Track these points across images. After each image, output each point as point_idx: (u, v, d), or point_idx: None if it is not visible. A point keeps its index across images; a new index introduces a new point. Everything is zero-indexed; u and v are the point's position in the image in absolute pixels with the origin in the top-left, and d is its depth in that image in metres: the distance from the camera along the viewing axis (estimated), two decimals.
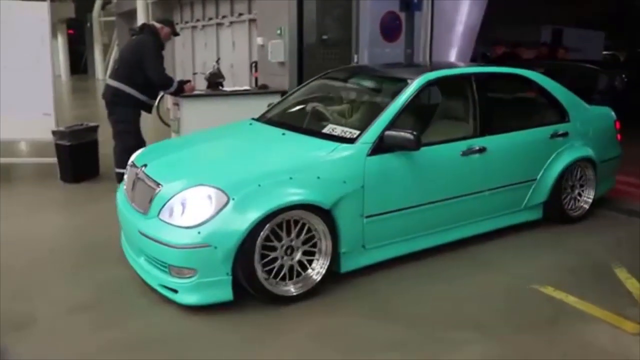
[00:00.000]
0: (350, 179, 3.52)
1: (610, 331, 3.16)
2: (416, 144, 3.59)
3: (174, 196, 3.30)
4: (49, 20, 6.29)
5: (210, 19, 12.70)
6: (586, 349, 2.99)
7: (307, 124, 4.13)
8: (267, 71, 7.85)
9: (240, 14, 11.18)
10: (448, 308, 3.40)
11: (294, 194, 3.32)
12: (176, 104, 6.45)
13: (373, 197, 3.61)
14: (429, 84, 4.08)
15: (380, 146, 3.65)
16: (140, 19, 14.30)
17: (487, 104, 4.27)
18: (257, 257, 3.22)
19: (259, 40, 7.93)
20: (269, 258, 3.30)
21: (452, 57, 8.70)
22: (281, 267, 3.36)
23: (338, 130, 3.84)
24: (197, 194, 3.26)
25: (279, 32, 7.27)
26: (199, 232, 3.15)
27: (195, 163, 3.71)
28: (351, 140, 3.66)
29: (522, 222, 4.60)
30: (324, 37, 7.27)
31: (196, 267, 3.19)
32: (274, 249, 3.32)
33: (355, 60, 7.42)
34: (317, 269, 3.47)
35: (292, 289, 3.37)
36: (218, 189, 3.24)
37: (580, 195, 4.92)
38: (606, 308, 3.38)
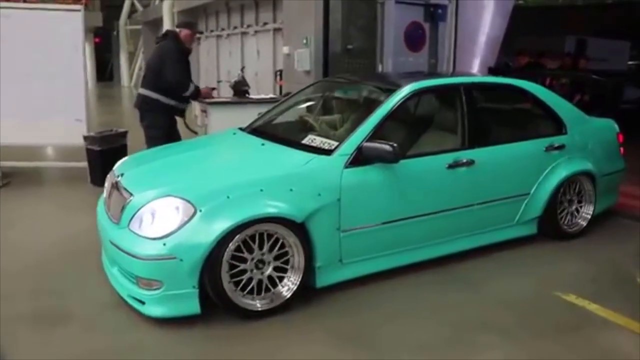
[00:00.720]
0: (326, 192, 3.42)
1: (633, 338, 3.17)
2: (395, 156, 3.49)
3: (143, 207, 3.26)
4: (82, 29, 6.46)
5: (235, 27, 12.90)
6: (609, 355, 3.02)
7: (290, 135, 4.05)
8: (292, 79, 7.90)
9: (265, 23, 11.33)
10: (472, 311, 3.45)
11: (264, 207, 3.24)
12: (204, 111, 6.56)
13: (350, 211, 3.51)
14: (415, 95, 3.97)
15: (359, 158, 3.55)
16: (166, 28, 14.51)
17: (477, 116, 4.14)
18: (224, 269, 3.15)
19: (285, 49, 8.05)
20: (238, 269, 3.22)
21: (475, 67, 8.74)
22: (250, 280, 3.28)
23: (317, 141, 3.75)
24: (164, 205, 3.21)
25: (305, 41, 7.41)
26: (164, 244, 3.09)
27: (169, 173, 3.66)
28: (329, 152, 3.57)
29: (515, 237, 4.44)
30: (349, 46, 7.36)
31: (162, 279, 3.13)
32: (245, 260, 3.24)
33: (380, 69, 7.54)
34: (289, 285, 3.38)
35: (258, 303, 3.28)
36: (186, 200, 3.18)
37: (578, 210, 4.73)
38: (629, 315, 3.38)
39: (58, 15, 6.50)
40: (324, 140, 3.73)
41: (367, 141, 3.57)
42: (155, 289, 3.16)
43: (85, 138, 6.36)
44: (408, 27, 7.69)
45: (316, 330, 3.24)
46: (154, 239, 3.13)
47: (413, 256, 3.92)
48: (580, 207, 4.75)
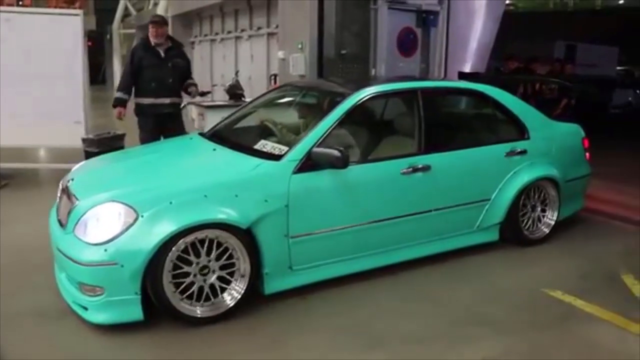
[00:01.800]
0: (273, 198, 3.39)
1: (616, 332, 3.31)
2: (343, 162, 3.46)
3: (86, 212, 3.24)
4: (81, 33, 6.54)
5: (229, 32, 12.95)
6: (593, 348, 3.15)
7: (245, 140, 4.02)
8: None
9: (259, 28, 11.39)
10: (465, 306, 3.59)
11: (207, 213, 3.21)
12: (201, 114, 6.62)
13: (299, 217, 3.49)
14: (368, 100, 3.94)
15: (308, 164, 3.53)
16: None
17: (434, 121, 4.12)
18: (165, 275, 3.13)
19: (280, 54, 8.16)
20: (182, 272, 3.19)
21: (466, 71, 8.79)
22: (192, 285, 3.25)
23: (269, 146, 3.73)
24: (106, 211, 3.19)
25: (299, 46, 7.50)
26: (105, 250, 3.07)
27: (116, 179, 3.63)
28: (278, 157, 3.55)
29: (476, 244, 4.41)
30: (343, 51, 7.47)
31: (103, 285, 3.11)
32: (189, 265, 3.21)
33: (373, 74, 7.65)
34: (233, 294, 3.34)
35: (198, 310, 3.24)
36: (127, 205, 3.16)
37: (541, 216, 4.70)
38: (613, 311, 3.51)
39: (57, 19, 6.61)
40: (275, 145, 3.71)
41: (317, 147, 3.55)
42: (97, 295, 3.13)
43: (84, 140, 6.37)
44: (400, 32, 7.90)
45: (260, 337, 3.21)
46: (96, 244, 3.11)
47: (367, 263, 3.89)
48: (544, 213, 4.72)
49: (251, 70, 11.48)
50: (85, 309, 3.20)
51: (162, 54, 5.73)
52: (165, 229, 3.09)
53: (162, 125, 5.75)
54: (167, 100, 5.75)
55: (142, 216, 3.11)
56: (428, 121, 4.06)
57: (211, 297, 3.29)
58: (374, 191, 3.78)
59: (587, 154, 5.03)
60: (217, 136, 4.23)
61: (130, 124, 6.12)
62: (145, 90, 5.75)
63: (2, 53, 6.23)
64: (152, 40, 5.71)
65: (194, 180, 3.39)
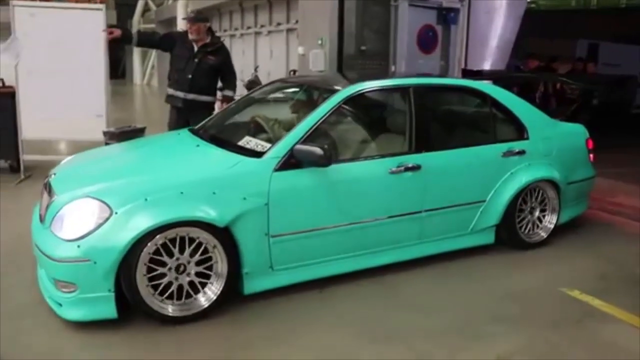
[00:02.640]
0: (252, 196, 3.32)
1: (633, 332, 3.29)
2: (326, 160, 3.37)
3: (62, 207, 3.20)
4: (104, 27, 6.54)
5: (249, 27, 13.02)
6: (610, 347, 3.13)
7: (231, 136, 3.95)
8: None
9: (279, 24, 11.46)
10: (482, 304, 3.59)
11: (182, 210, 3.15)
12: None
13: (280, 216, 3.40)
14: (357, 97, 3.83)
15: (291, 161, 3.44)
16: (180, 27, 14.67)
17: (427, 119, 3.99)
18: (139, 273, 3.07)
19: (300, 50, 8.16)
20: (157, 273, 3.14)
21: (486, 69, 8.75)
22: (171, 285, 3.20)
23: (252, 143, 3.65)
24: (81, 207, 3.15)
25: (320, 42, 7.51)
26: (78, 246, 3.03)
27: (95, 174, 3.58)
28: (260, 154, 3.47)
29: (469, 247, 4.27)
30: (363, 48, 7.51)
31: (76, 282, 3.07)
32: (165, 264, 3.16)
33: (393, 70, 7.65)
34: (209, 294, 3.28)
35: (170, 309, 3.18)
36: (102, 202, 3.11)
37: (540, 219, 4.54)
38: (630, 311, 3.50)
39: (80, 14, 6.69)
40: (259, 142, 3.63)
41: (300, 144, 3.46)
42: (71, 292, 3.10)
43: (105, 133, 6.35)
44: (421, 29, 7.94)
45: (239, 336, 3.15)
46: (69, 240, 3.07)
47: (354, 264, 3.79)
48: (544, 216, 4.56)
49: (270, 66, 11.56)
50: (60, 305, 3.17)
51: (195, 49, 5.62)
52: (138, 226, 3.04)
53: (186, 118, 5.67)
54: (181, 95, 5.64)
55: (116, 213, 3.06)
56: (420, 119, 3.94)
57: (192, 294, 3.25)
58: (360, 191, 3.68)
59: (592, 155, 4.84)
60: (205, 132, 4.17)
61: (154, 117, 6.13)
62: (169, 80, 5.77)
63: (26, 47, 6.37)
64: (192, 37, 5.64)
65: (171, 176, 3.32)
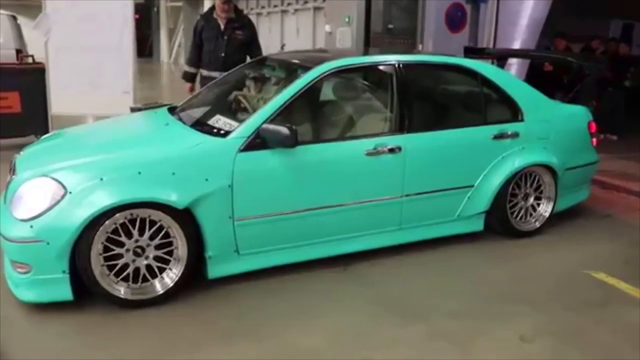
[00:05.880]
0: (214, 177, 3.18)
1: None
2: (292, 140, 3.20)
3: (19, 187, 3.12)
4: (132, 4, 6.67)
5: (276, 6, 12.95)
6: (633, 329, 3.06)
7: (205, 115, 3.80)
8: None
9: (306, 2, 11.37)
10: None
11: (138, 191, 3.03)
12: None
13: (245, 198, 3.26)
14: (332, 74, 3.63)
15: (257, 142, 3.28)
16: (207, 5, 14.58)
17: (409, 98, 3.76)
18: (94, 252, 2.98)
19: (327, 28, 8.11)
20: (113, 253, 3.05)
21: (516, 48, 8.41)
22: (128, 267, 3.10)
23: (221, 122, 3.51)
24: (36, 186, 3.06)
25: (347, 20, 7.44)
26: (31, 226, 2.94)
27: (55, 153, 3.47)
28: (225, 134, 3.32)
29: (456, 234, 4.06)
30: (390, 26, 7.42)
31: (30, 263, 2.99)
32: (122, 246, 3.07)
33: (420, 49, 7.53)
34: (165, 280, 3.17)
35: (122, 291, 3.08)
36: (57, 181, 3.01)
37: (535, 207, 4.30)
38: None
39: None
40: (228, 121, 3.48)
41: (267, 123, 3.30)
42: (26, 273, 3.02)
43: (132, 110, 6.34)
44: (449, 8, 7.82)
45: (207, 321, 3.06)
46: (23, 220, 2.98)
47: (329, 249, 3.63)
48: (538, 203, 4.31)
49: (297, 44, 11.53)
50: (17, 286, 3.11)
51: (222, 26, 5.51)
52: (92, 206, 2.93)
53: None
54: (217, 75, 5.39)
55: (70, 192, 2.97)
56: (402, 98, 3.73)
57: (149, 279, 3.15)
58: (332, 173, 3.50)
59: (594, 140, 4.55)
60: (181, 111, 4.03)
61: (180, 95, 6.09)
62: (203, 62, 5.66)
63: (57, 25, 6.42)
64: (216, 13, 5.53)
65: (130, 156, 3.20)
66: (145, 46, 27.45)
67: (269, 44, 12.41)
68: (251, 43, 5.64)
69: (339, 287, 3.44)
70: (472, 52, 5.39)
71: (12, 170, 3.40)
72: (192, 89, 5.74)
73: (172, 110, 4.13)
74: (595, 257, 3.98)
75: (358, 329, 2.99)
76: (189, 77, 5.79)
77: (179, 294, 3.23)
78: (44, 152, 3.55)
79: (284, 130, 3.19)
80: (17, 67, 7.13)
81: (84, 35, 6.44)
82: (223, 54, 5.48)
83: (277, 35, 12.72)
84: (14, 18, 10.67)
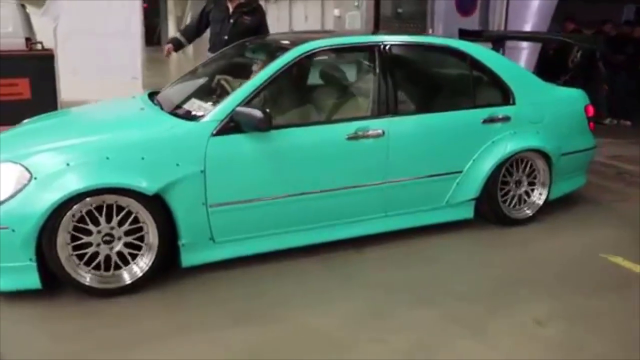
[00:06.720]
0: (186, 162, 3.07)
1: None
2: (265, 123, 3.09)
3: None
4: None
5: None
6: None
7: (181, 99, 3.69)
8: None
9: None
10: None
11: (105, 176, 2.93)
12: None
13: (219, 184, 3.15)
14: (311, 55, 3.50)
15: (230, 125, 3.17)
16: None
17: (393, 80, 3.62)
18: (60, 238, 2.90)
19: (336, 12, 8.02)
20: (81, 242, 2.97)
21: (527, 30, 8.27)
22: (98, 255, 3.02)
23: (195, 105, 3.40)
24: (1, 172, 2.98)
25: (356, 3, 7.37)
26: None
27: (26, 138, 3.40)
28: (197, 117, 3.21)
29: (446, 221, 3.93)
30: (399, 10, 7.34)
31: None
32: (91, 233, 2.99)
33: (430, 33, 7.43)
34: (134, 269, 3.08)
35: (87, 278, 2.99)
36: (22, 166, 2.93)
37: (528, 193, 4.14)
38: None
39: None
40: (202, 104, 3.38)
41: (242, 106, 3.18)
42: None
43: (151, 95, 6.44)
44: None
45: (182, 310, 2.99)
46: None
47: (309, 237, 3.52)
48: (532, 190, 4.15)
49: None
50: None
51: (230, 9, 5.35)
52: (57, 192, 2.84)
53: None
54: None
55: (35, 178, 2.88)
56: (385, 81, 3.59)
57: (121, 266, 3.07)
58: (311, 158, 3.38)
59: (591, 124, 4.37)
60: (160, 96, 3.93)
61: None
62: (209, 45, 5.53)
63: (65, 11, 6.49)
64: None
65: (98, 141, 3.10)
66: (153, 34, 27.46)
67: (277, 31, 12.37)
68: (259, 29, 5.45)
69: (349, 270, 3.41)
70: (467, 34, 5.21)
71: None
72: (169, 52, 5.53)
73: (153, 95, 4.03)
74: (612, 240, 3.91)
75: (369, 312, 2.96)
76: (175, 43, 5.56)
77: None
78: (14, 138, 3.46)
79: (257, 113, 3.08)
80: (26, 53, 7.11)
81: (92, 22, 6.52)
82: (226, 37, 5.30)
83: (285, 23, 12.62)
84: (23, 7, 10.70)
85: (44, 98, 6.47)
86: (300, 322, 2.85)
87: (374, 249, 3.65)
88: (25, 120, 3.98)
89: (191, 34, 5.58)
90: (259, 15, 5.52)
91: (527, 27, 8.43)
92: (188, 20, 22.56)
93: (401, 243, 3.74)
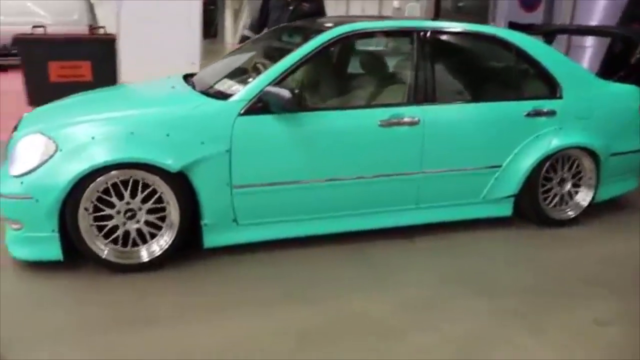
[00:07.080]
0: (211, 140, 3.01)
1: None
2: (292, 104, 2.99)
3: (16, 143, 3.07)
4: None
5: None
6: None
7: (213, 80, 3.63)
8: None
9: None
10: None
11: (129, 151, 2.90)
12: None
13: (244, 165, 3.08)
14: (346, 38, 3.38)
15: (259, 105, 3.09)
16: None
17: (432, 67, 3.46)
18: (81, 209, 2.89)
19: (395, 4, 8.09)
20: (103, 213, 2.96)
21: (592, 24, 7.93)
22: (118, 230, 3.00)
23: (226, 85, 3.34)
24: (29, 143, 3.00)
25: None
26: (22, 182, 2.89)
27: (57, 112, 3.40)
28: (225, 97, 3.15)
29: (480, 217, 3.75)
30: (460, 3, 7.30)
31: (21, 220, 2.94)
32: (113, 207, 2.98)
33: None
34: (153, 247, 3.05)
35: (105, 252, 2.98)
36: (49, 138, 2.94)
37: (572, 194, 3.90)
38: None
39: None
40: (233, 84, 3.31)
41: (271, 86, 3.10)
42: (18, 230, 2.98)
43: (243, 38, 6.34)
44: None
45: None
46: (15, 176, 2.93)
47: (336, 225, 3.41)
48: (577, 191, 3.91)
49: None
50: (11, 242, 3.07)
51: None
52: (81, 165, 2.84)
53: None
54: None
55: (60, 150, 2.88)
56: (423, 67, 3.44)
57: (139, 243, 3.06)
58: (340, 143, 3.25)
59: None
60: (196, 77, 3.89)
61: None
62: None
63: None
64: None
65: (124, 117, 3.07)
66: (210, 27, 27.88)
67: None
68: (318, 16, 5.25)
69: (405, 258, 3.37)
70: (517, 27, 4.98)
71: (15, 127, 3.37)
72: None
73: (189, 77, 3.99)
74: None
75: (422, 300, 2.91)
76: (246, 40, 5.46)
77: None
78: (50, 111, 3.49)
79: (285, 93, 2.99)
80: (89, 37, 7.36)
81: (154, 9, 6.60)
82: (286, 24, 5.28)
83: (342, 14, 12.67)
84: None
85: (104, 80, 6.60)
86: (353, 307, 2.82)
87: (422, 238, 3.60)
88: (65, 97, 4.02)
89: (258, 27, 5.53)
90: (318, 1, 5.42)
91: (596, 21, 8.10)
92: (245, 13, 22.84)
93: (447, 235, 3.65)
